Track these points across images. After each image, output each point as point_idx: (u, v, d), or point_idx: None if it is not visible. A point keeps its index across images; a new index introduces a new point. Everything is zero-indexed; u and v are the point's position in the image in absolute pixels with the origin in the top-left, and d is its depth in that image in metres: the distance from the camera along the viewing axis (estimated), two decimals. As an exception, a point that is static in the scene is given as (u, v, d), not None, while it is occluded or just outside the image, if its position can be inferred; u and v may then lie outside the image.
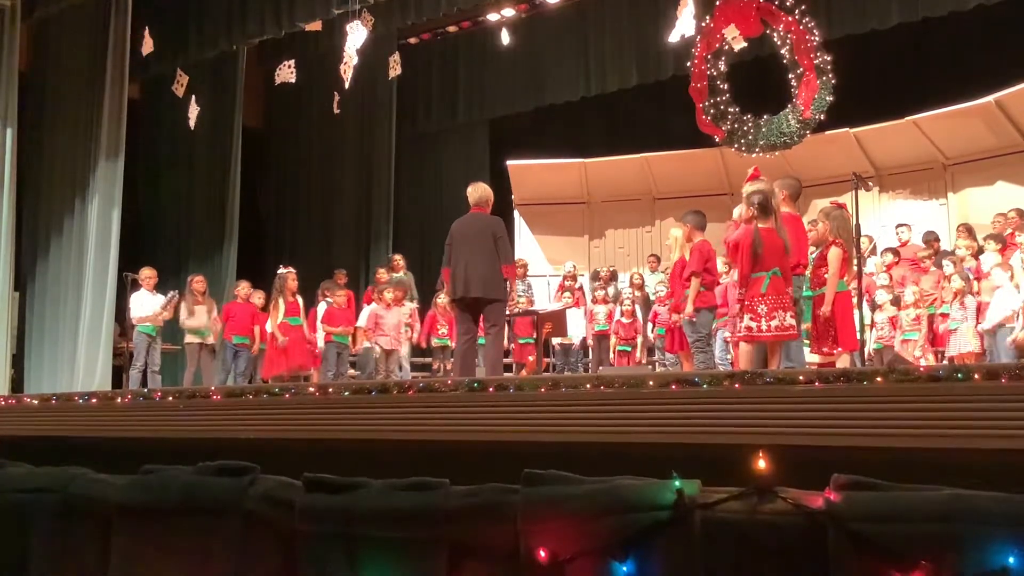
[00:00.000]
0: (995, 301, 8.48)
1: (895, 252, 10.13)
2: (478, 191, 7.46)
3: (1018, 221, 9.47)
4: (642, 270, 12.81)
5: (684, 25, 10.25)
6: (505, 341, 8.98)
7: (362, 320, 10.99)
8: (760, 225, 6.11)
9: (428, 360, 11.91)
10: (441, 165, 16.23)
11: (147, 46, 10.81)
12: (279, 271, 10.41)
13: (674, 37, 10.47)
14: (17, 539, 2.97)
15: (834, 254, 6.54)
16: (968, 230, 10.06)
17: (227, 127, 13.47)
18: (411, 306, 11.51)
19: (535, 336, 10.28)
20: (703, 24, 10.96)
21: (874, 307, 9.23)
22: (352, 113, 13.94)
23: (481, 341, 7.70)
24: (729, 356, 8.49)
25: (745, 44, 10.90)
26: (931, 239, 10.45)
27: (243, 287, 10.89)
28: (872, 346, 9.02)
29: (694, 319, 7.21)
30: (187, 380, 10.21)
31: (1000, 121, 11.38)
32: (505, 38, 13.07)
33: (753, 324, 6.00)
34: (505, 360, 9.54)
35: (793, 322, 6.02)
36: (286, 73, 10.79)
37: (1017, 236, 8.92)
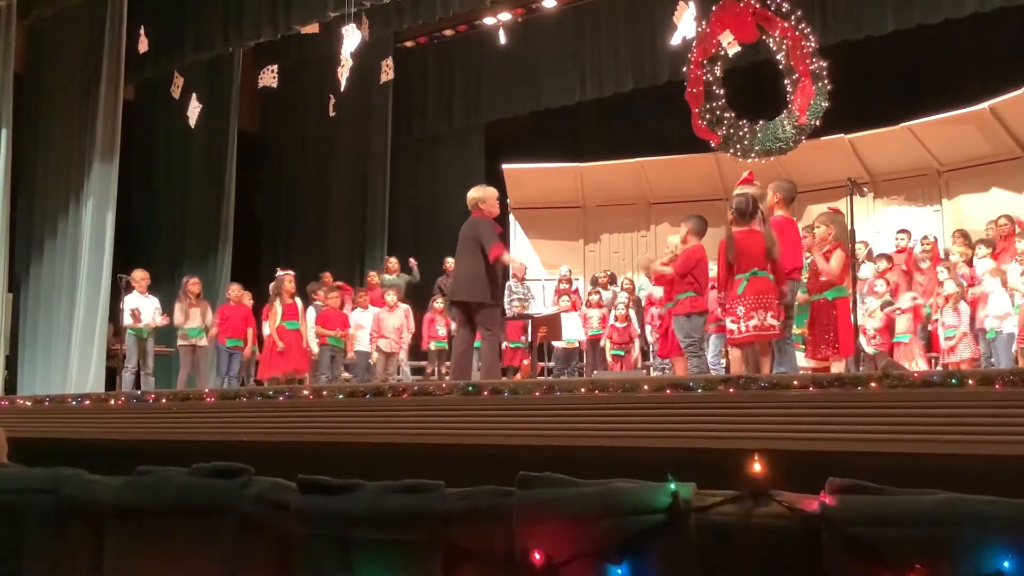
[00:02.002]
0: (988, 306, 8.50)
1: (888, 258, 10.14)
2: (472, 194, 7.41)
3: (1010, 227, 9.49)
4: (637, 275, 12.80)
5: (685, 27, 10.26)
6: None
7: (352, 323, 10.99)
8: (736, 229, 6.19)
9: (423, 364, 11.92)
10: (436, 169, 16.23)
11: (142, 45, 10.81)
12: (277, 273, 10.40)
13: (675, 40, 10.48)
14: (10, 541, 2.96)
15: (838, 256, 6.58)
16: (964, 236, 10.09)
17: (222, 130, 13.48)
18: (405, 307, 11.51)
19: (528, 340, 10.28)
20: (699, 29, 10.97)
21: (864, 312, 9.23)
22: (348, 116, 13.94)
23: (477, 345, 7.68)
24: (723, 361, 8.49)
25: (739, 48, 10.92)
26: (928, 241, 10.46)
27: (235, 289, 10.88)
28: (866, 350, 9.02)
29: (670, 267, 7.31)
30: (181, 382, 10.19)
31: (995, 128, 11.41)
32: (502, 37, 13.09)
33: (733, 327, 6.11)
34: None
35: (775, 322, 6.04)
36: (268, 77, 10.87)
37: (1017, 242, 8.93)
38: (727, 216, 6.44)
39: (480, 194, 7.35)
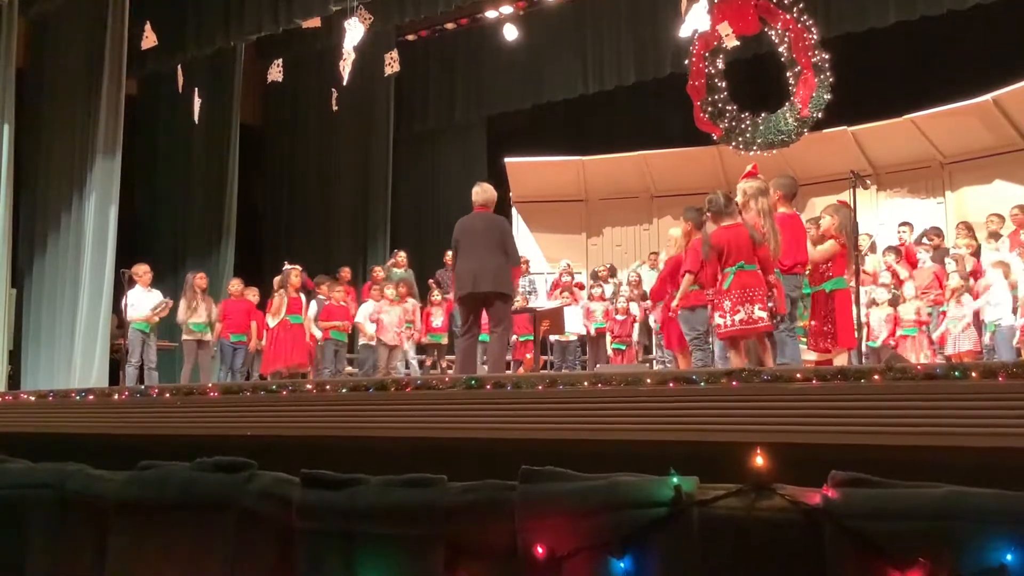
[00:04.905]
0: (989, 298, 8.49)
1: (896, 251, 10.13)
2: (486, 193, 7.46)
3: (1022, 217, 9.43)
4: (640, 268, 12.78)
5: (697, 19, 10.22)
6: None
7: (360, 317, 11.00)
8: (723, 223, 6.20)
9: (422, 357, 11.94)
10: (439, 163, 16.23)
11: (148, 41, 10.77)
12: (284, 267, 10.41)
13: (685, 32, 10.45)
14: (14, 535, 2.96)
15: (828, 244, 6.60)
16: (968, 228, 10.05)
17: (225, 124, 13.47)
18: (414, 302, 11.55)
19: (532, 333, 10.28)
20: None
21: (871, 304, 9.21)
22: (350, 110, 13.93)
23: (484, 338, 7.66)
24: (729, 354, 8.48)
25: (737, 43, 10.88)
26: (934, 235, 10.42)
27: (236, 284, 10.88)
28: (867, 343, 9.01)
29: (675, 315, 7.28)
30: (185, 377, 10.21)
31: (998, 120, 11.38)
32: (508, 32, 13.08)
33: (720, 320, 6.12)
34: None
35: (762, 314, 6.02)
36: (275, 72, 10.97)
37: (1022, 234, 8.90)
38: (702, 217, 6.48)
39: (492, 195, 7.52)
